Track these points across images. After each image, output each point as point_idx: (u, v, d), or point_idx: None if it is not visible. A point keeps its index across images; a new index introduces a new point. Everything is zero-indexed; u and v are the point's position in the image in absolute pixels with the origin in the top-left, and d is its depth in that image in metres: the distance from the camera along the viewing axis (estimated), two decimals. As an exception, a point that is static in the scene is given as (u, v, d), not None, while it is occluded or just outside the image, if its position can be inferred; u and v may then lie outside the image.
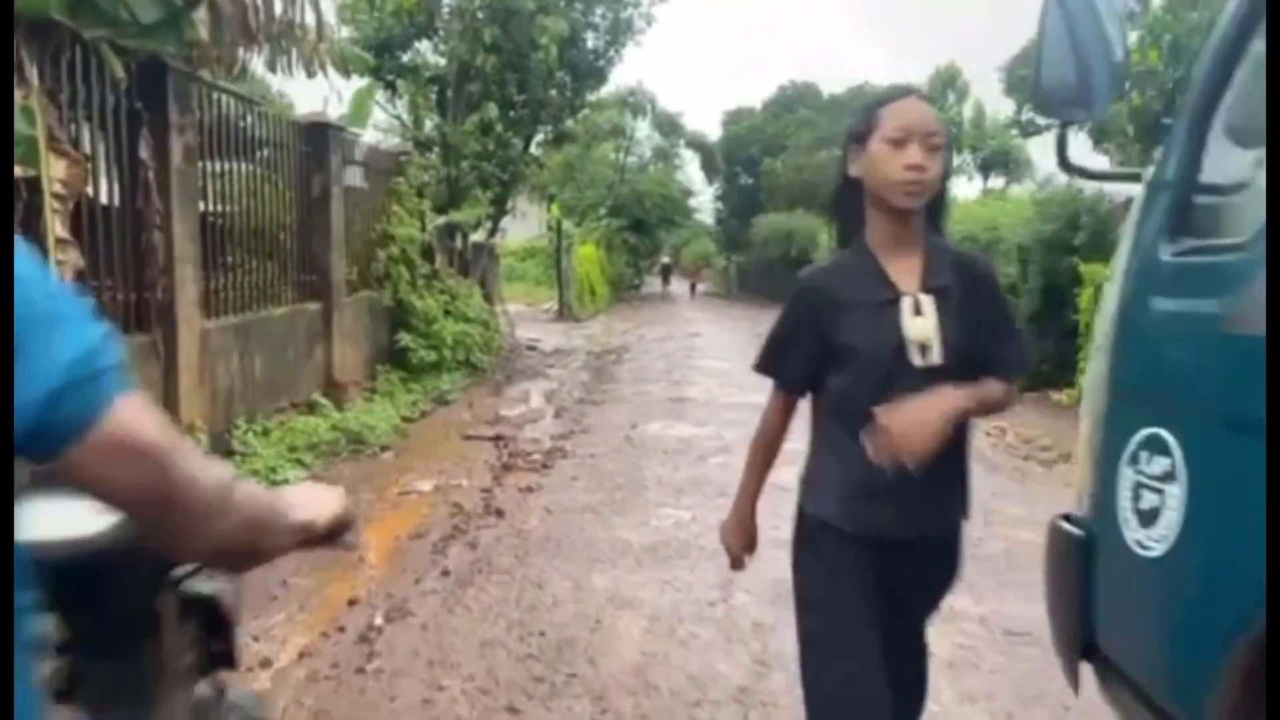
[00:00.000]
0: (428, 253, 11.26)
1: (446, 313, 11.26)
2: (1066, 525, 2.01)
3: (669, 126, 37.00)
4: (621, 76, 44.23)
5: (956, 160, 21.90)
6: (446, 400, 9.78)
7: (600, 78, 17.30)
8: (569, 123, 17.22)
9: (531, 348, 15.27)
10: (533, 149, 17.05)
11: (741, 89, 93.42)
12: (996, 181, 22.12)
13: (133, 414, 0.77)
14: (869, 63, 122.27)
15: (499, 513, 5.64)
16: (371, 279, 9.99)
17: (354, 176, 10.27)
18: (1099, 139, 10.34)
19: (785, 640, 3.72)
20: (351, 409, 8.08)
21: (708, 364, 13.77)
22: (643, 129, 38.35)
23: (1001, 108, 31.16)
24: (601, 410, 9.49)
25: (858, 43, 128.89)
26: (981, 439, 8.43)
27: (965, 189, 23.39)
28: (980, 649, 3.64)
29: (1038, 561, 4.71)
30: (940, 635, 3.73)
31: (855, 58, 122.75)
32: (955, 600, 4.30)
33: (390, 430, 7.71)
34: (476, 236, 15.67)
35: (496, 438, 7.82)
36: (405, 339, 10.20)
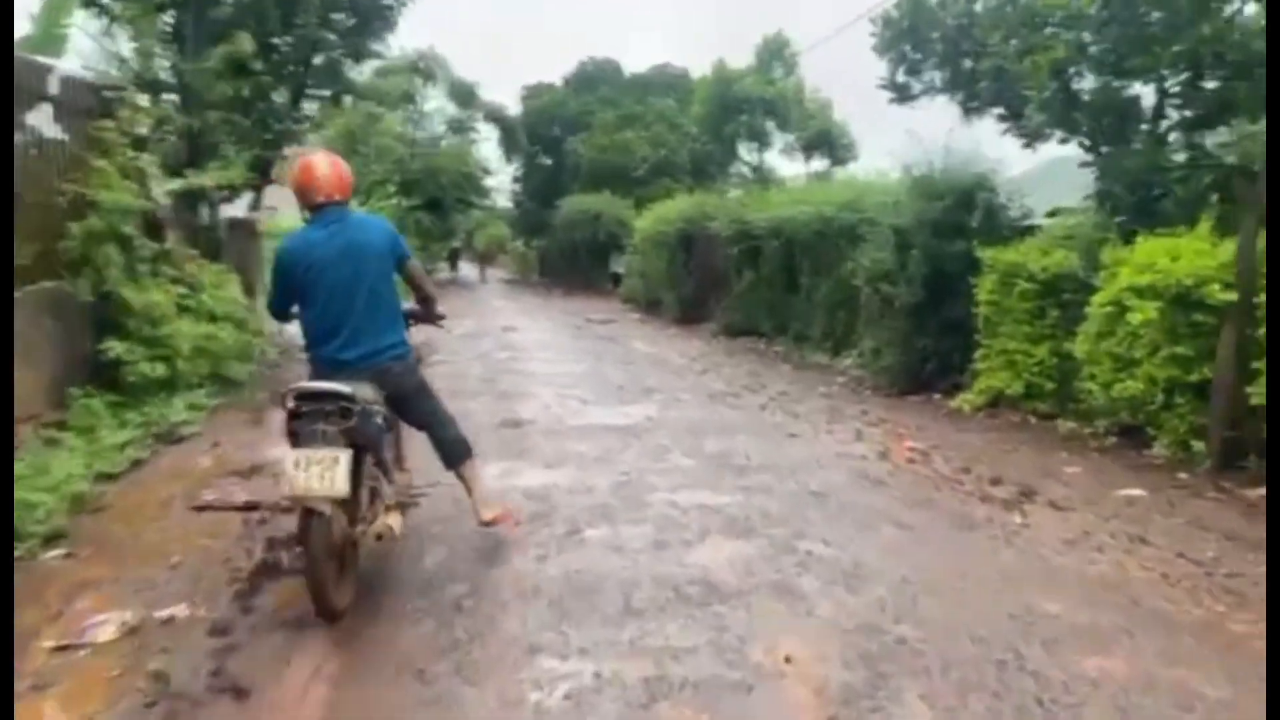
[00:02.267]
0: (154, 228, 8.17)
1: (183, 309, 8.24)
2: None
3: (465, 97, 33.80)
4: (410, 39, 40.44)
5: (784, 140, 20.54)
6: (179, 436, 6.84)
7: (387, 21, 14.32)
8: (352, 73, 14.17)
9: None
10: (305, 107, 13.94)
11: (540, 66, 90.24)
12: (820, 163, 20.99)
13: (414, 259, 4.38)
14: (664, 41, 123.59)
15: (238, 691, 3.09)
16: (61, 263, 6.94)
17: (41, 118, 7.29)
18: (993, 100, 8.79)
19: None
20: (18, 461, 5.18)
21: (535, 368, 11.33)
22: (435, 99, 35.02)
23: (829, 82, 30.34)
24: (410, 446, 6.85)
25: (657, 22, 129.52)
26: (905, 468, 6.60)
27: (789, 169, 22.21)
28: None
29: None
30: None
31: (653, 37, 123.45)
32: None
33: (65, 505, 4.82)
34: (235, 210, 12.45)
35: (248, 507, 5.12)
36: (116, 347, 7.16)
